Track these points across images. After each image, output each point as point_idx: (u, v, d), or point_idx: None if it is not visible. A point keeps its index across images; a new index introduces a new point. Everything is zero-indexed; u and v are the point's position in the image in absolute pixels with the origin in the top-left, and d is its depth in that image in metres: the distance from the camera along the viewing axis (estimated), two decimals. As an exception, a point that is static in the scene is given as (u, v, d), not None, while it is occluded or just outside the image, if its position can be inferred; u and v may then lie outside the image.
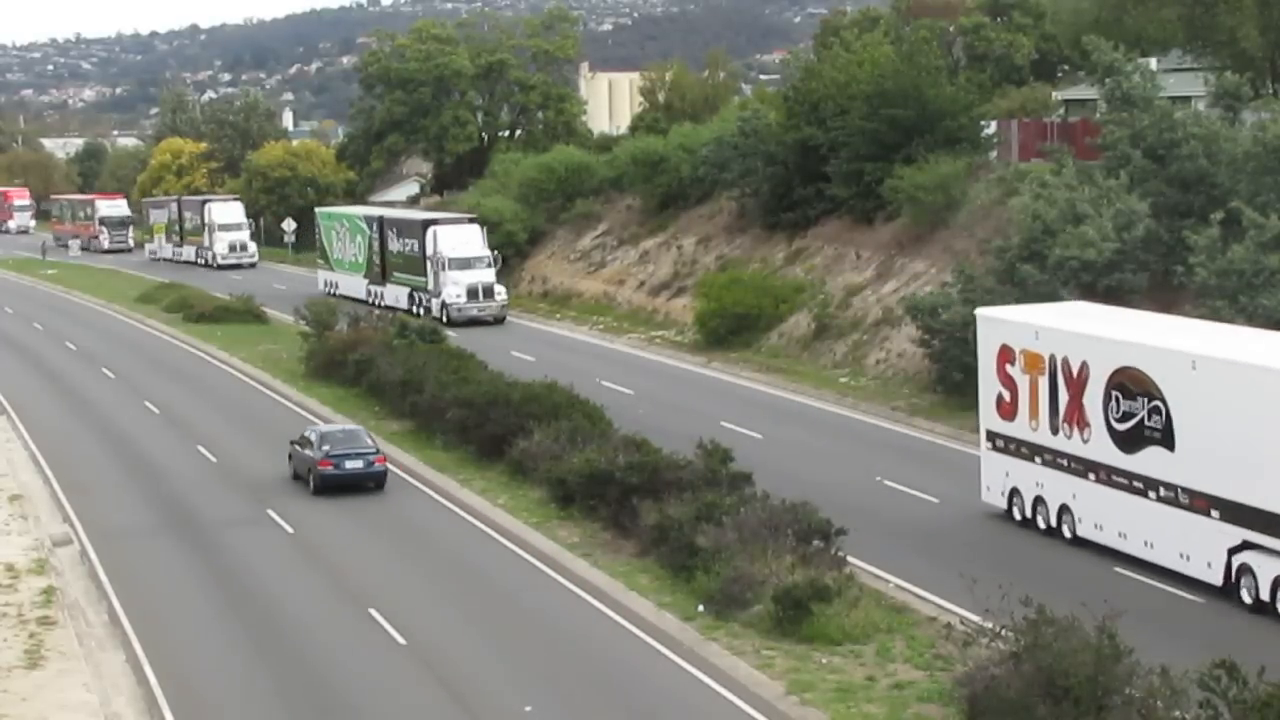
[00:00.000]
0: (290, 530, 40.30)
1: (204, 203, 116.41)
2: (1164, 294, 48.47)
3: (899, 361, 57.56)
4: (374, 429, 51.95)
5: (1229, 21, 57.59)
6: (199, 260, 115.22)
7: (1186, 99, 58.59)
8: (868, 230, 67.47)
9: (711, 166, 79.15)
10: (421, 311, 78.33)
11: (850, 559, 33.03)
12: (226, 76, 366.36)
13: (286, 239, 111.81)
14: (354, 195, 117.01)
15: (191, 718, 27.87)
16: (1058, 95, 76.21)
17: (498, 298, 78.76)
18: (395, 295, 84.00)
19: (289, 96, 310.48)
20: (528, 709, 27.34)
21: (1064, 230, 46.84)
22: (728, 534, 32.91)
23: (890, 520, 38.92)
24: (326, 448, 44.05)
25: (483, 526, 40.17)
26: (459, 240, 79.36)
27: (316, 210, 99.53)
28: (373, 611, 32.88)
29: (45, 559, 37.74)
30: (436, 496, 43.63)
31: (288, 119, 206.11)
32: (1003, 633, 25.14)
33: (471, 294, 77.91)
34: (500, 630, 31.82)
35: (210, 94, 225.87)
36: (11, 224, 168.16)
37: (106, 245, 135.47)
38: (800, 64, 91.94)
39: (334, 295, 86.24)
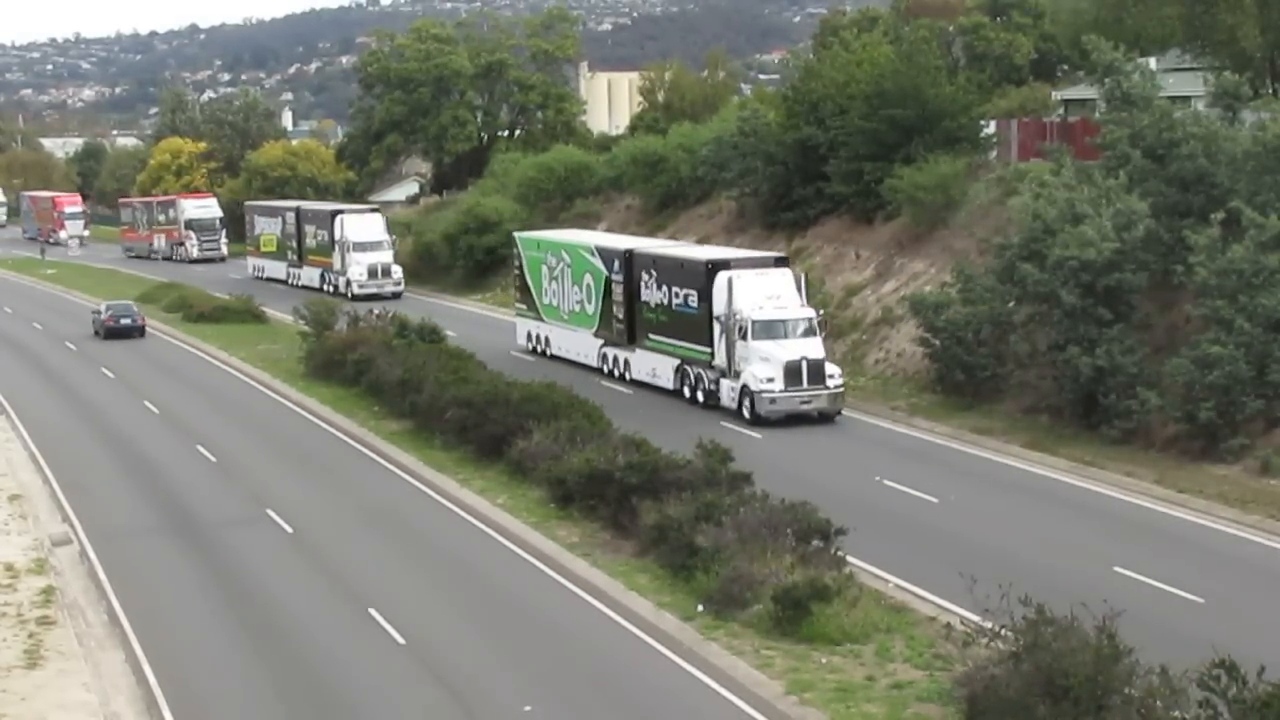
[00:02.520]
0: (290, 530, 40.29)
1: (334, 214, 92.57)
2: (1164, 293, 48.49)
3: (899, 361, 57.58)
4: (373, 429, 52.10)
5: (1229, 21, 57.55)
6: (325, 287, 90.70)
7: (1186, 99, 58.57)
8: (867, 230, 67.47)
9: (711, 166, 79.14)
10: (741, 409, 51.21)
11: (850, 558, 33.03)
12: (226, 76, 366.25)
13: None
14: (353, 195, 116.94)
15: (191, 717, 27.85)
16: (1057, 95, 76.18)
17: None
18: (652, 368, 57.42)
19: (288, 96, 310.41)
20: (527, 709, 27.33)
21: (1063, 230, 46.84)
22: (727, 534, 32.92)
23: (890, 520, 38.93)
24: (111, 311, 79.27)
25: (482, 526, 40.16)
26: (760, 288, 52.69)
27: (516, 236, 71.88)
28: (372, 611, 32.87)
29: (44, 559, 37.75)
30: (436, 496, 43.62)
31: (287, 119, 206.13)
32: (1002, 632, 25.13)
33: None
34: (500, 630, 31.81)
35: (209, 94, 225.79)
36: (62, 234, 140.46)
37: (195, 254, 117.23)
38: (799, 64, 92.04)
39: (543, 353, 65.95)
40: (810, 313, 51.93)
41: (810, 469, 44.23)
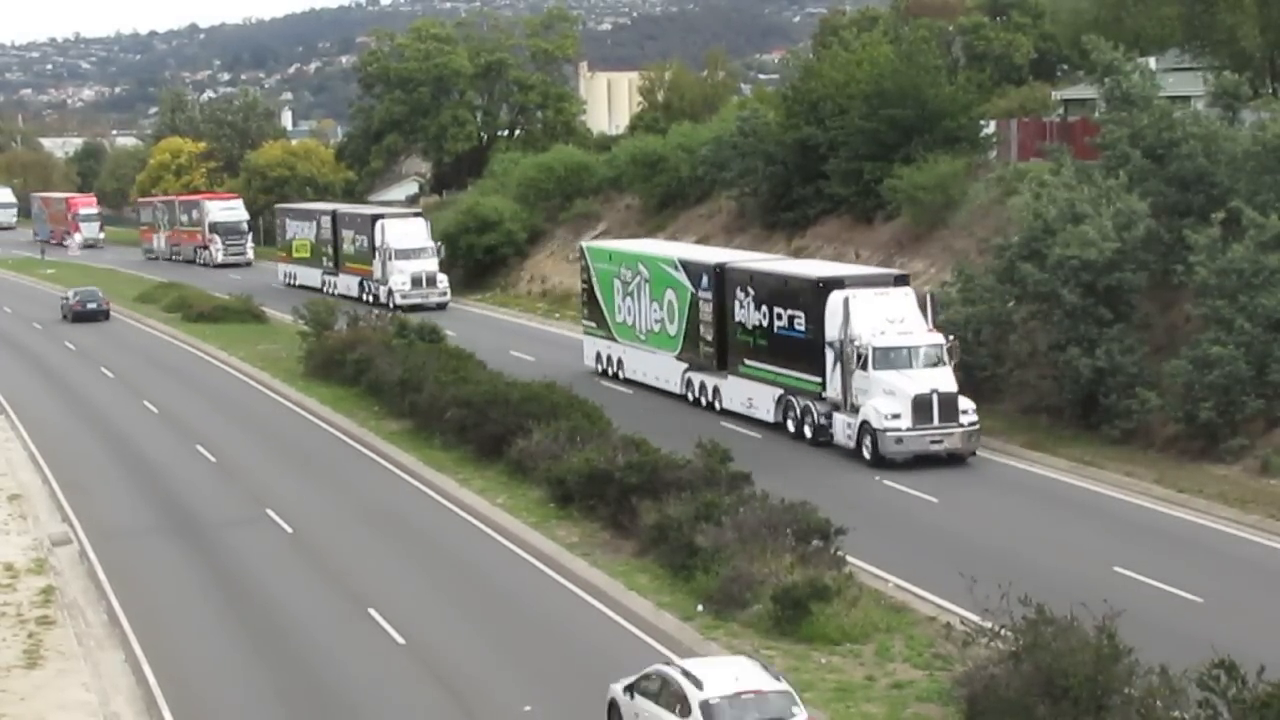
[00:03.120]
0: (289, 530, 40.28)
1: (374, 219, 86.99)
2: (1164, 293, 48.48)
3: (898, 361, 57.47)
4: (373, 429, 52.09)
5: (1228, 20, 57.55)
6: (365, 296, 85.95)
7: (1186, 98, 58.55)
8: (867, 230, 67.47)
9: (711, 166, 79.16)
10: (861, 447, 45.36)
11: (849, 558, 33.03)
12: (225, 76, 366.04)
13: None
14: (353, 195, 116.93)
15: (191, 717, 27.86)
16: (1057, 95, 76.17)
17: None
18: (748, 397, 51.43)
19: (288, 96, 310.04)
20: (527, 709, 27.32)
21: (1063, 229, 46.83)
22: (727, 533, 32.92)
23: (890, 520, 38.92)
24: (78, 297, 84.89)
25: (482, 526, 40.15)
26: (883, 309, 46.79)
27: (584, 246, 66.25)
28: (372, 611, 32.86)
29: (44, 558, 37.74)
30: (435, 496, 43.61)
31: (287, 119, 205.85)
32: (1002, 632, 25.13)
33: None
34: (499, 630, 31.80)
35: (209, 93, 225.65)
36: (77, 237, 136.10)
37: (220, 258, 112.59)
38: (799, 63, 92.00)
39: (615, 375, 60.04)
40: (939, 338, 45.71)
41: (808, 468, 44.22)
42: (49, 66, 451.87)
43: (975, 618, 26.53)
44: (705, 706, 22.86)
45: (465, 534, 39.73)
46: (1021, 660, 24.33)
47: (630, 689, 24.95)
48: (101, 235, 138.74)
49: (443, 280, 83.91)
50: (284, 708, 28.20)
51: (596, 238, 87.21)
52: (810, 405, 47.43)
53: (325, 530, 40.16)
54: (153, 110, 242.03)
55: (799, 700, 23.92)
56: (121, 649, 31.51)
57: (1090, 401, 46.84)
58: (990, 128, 68.04)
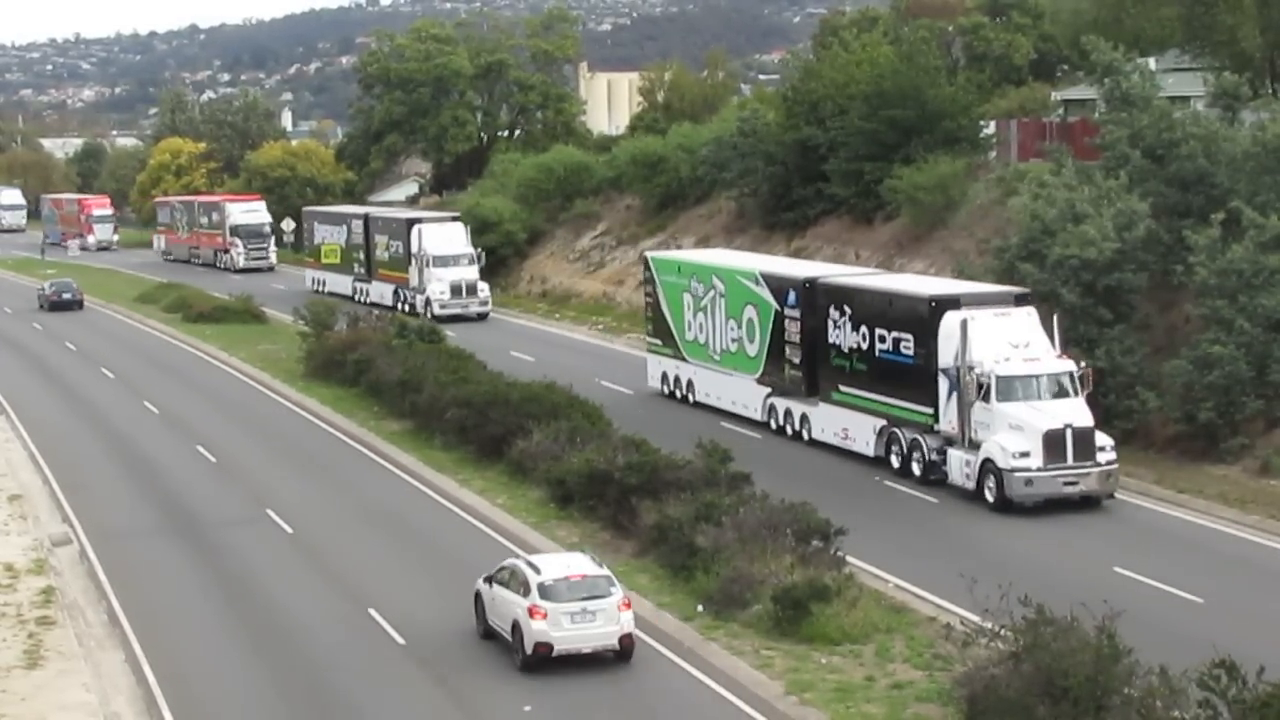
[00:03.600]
0: (290, 530, 40.29)
1: (410, 224, 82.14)
2: (1164, 294, 48.49)
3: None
4: (373, 429, 52.10)
5: (1228, 21, 57.52)
6: (400, 305, 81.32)
7: (1186, 99, 58.55)
8: (867, 230, 67.48)
9: (711, 166, 79.14)
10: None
11: (849, 559, 33.03)
12: (226, 76, 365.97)
13: (286, 239, 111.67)
14: (353, 195, 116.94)
15: (191, 717, 27.87)
16: (1057, 95, 76.14)
17: None
18: (843, 427, 46.36)
19: (288, 96, 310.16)
20: (527, 709, 27.34)
21: (1063, 230, 46.83)
22: (727, 534, 32.93)
23: (890, 520, 38.92)
24: (54, 288, 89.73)
25: (482, 526, 40.16)
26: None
27: (649, 256, 60.26)
28: (372, 611, 32.87)
29: (44, 559, 37.75)
30: (436, 496, 43.61)
31: (287, 119, 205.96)
32: (1002, 633, 25.14)
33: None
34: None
35: (209, 94, 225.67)
36: (90, 239, 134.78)
37: (241, 263, 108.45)
38: (799, 64, 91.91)
39: (684, 398, 55.21)
40: (1069, 365, 40.95)
41: (805, 468, 44.23)
42: (49, 67, 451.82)
43: (975, 618, 26.54)
44: (541, 586, 29.14)
45: (465, 534, 39.74)
46: (1021, 660, 24.34)
47: (489, 580, 30.97)
48: (115, 238, 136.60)
49: (484, 289, 79.45)
50: (284, 708, 28.21)
51: (597, 238, 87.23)
52: (920, 439, 42.41)
53: (325, 530, 40.17)
54: (153, 111, 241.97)
55: (616, 583, 29.81)
56: (122, 649, 31.52)
57: (1090, 402, 46.81)
58: (990, 128, 68.06)
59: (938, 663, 28.06)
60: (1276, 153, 45.98)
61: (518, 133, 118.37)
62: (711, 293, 53.12)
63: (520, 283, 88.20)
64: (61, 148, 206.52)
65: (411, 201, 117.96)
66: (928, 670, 28.10)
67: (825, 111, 69.54)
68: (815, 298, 47.77)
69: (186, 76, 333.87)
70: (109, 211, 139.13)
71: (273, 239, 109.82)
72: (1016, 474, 38.94)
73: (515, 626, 29.36)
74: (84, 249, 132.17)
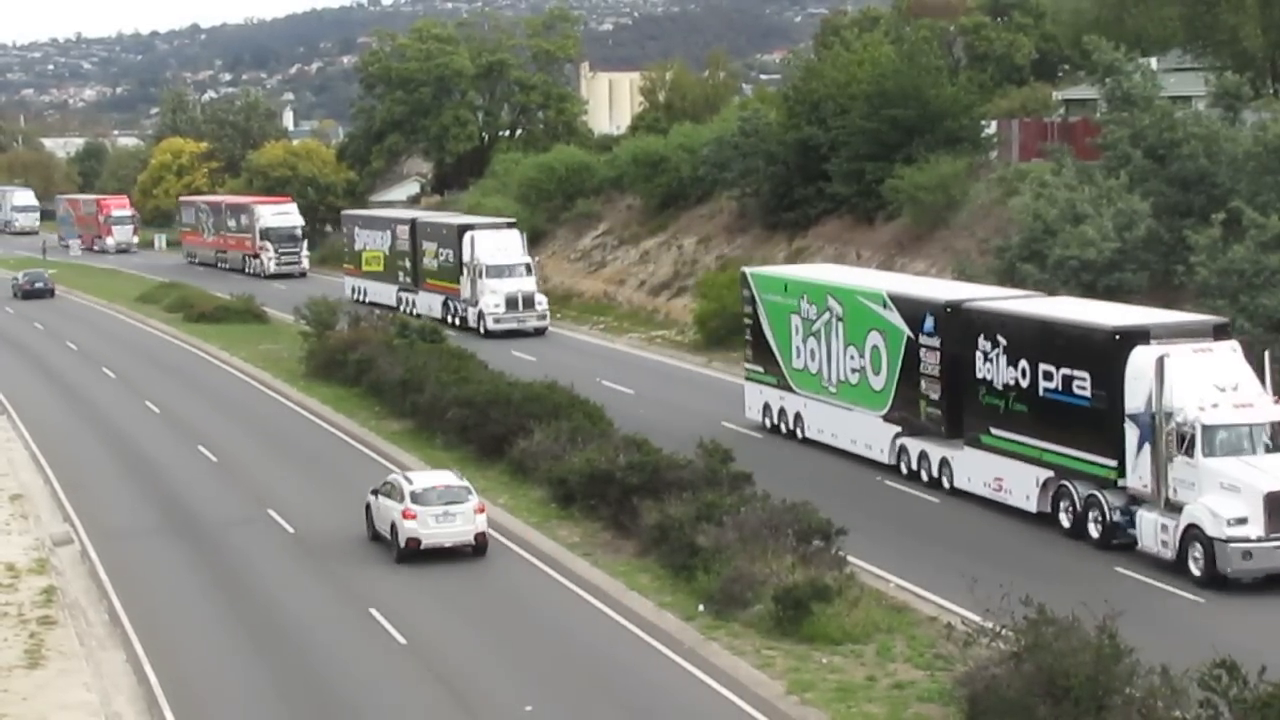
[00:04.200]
0: (291, 530, 40.29)
1: (462, 230, 75.90)
2: (1165, 293, 48.47)
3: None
4: (374, 429, 52.11)
5: (1230, 21, 57.56)
6: (451, 318, 75.51)
7: (1187, 99, 58.56)
8: (868, 230, 67.48)
9: (712, 166, 79.15)
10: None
11: (850, 559, 33.03)
12: (227, 76, 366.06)
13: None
14: (354, 195, 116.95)
15: (191, 717, 27.87)
16: (1058, 95, 76.17)
17: None
18: (994, 476, 39.83)
19: (289, 96, 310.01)
20: (528, 709, 27.34)
21: (1064, 230, 46.83)
22: (728, 534, 32.93)
23: (891, 520, 38.92)
24: (27, 278, 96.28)
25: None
26: None
27: (749, 273, 52.36)
28: (373, 611, 32.88)
29: (46, 558, 37.75)
30: (437, 496, 43.57)
31: (288, 119, 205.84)
32: (1003, 632, 25.15)
33: None
34: (500, 630, 31.82)
35: (210, 94, 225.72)
36: (110, 240, 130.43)
37: (272, 268, 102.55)
38: (801, 64, 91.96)
39: (791, 433, 48.65)
40: None
41: (811, 468, 44.22)
42: (50, 67, 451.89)
43: (976, 618, 26.54)
44: (413, 494, 36.90)
45: (466, 534, 39.69)
46: (1023, 660, 24.35)
47: (375, 492, 38.52)
48: (135, 239, 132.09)
49: (541, 301, 73.60)
50: (285, 707, 28.22)
51: (598, 238, 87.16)
52: (1099, 496, 36.04)
53: (327, 530, 40.16)
54: (154, 110, 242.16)
55: (474, 492, 37.62)
56: (123, 649, 31.53)
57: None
58: (991, 128, 68.07)
59: (939, 663, 28.05)
60: (1277, 153, 45.99)
61: (519, 132, 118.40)
62: (826, 315, 46.47)
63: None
64: (63, 147, 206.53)
65: (413, 201, 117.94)
66: (929, 670, 28.09)
67: (826, 111, 69.56)
68: (959, 324, 41.13)
69: (188, 76, 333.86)
70: (129, 212, 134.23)
71: (305, 243, 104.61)
72: (1233, 545, 32.47)
73: (393, 527, 37.13)
74: (102, 251, 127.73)
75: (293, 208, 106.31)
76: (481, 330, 71.91)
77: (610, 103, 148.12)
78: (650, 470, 37.45)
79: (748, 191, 76.14)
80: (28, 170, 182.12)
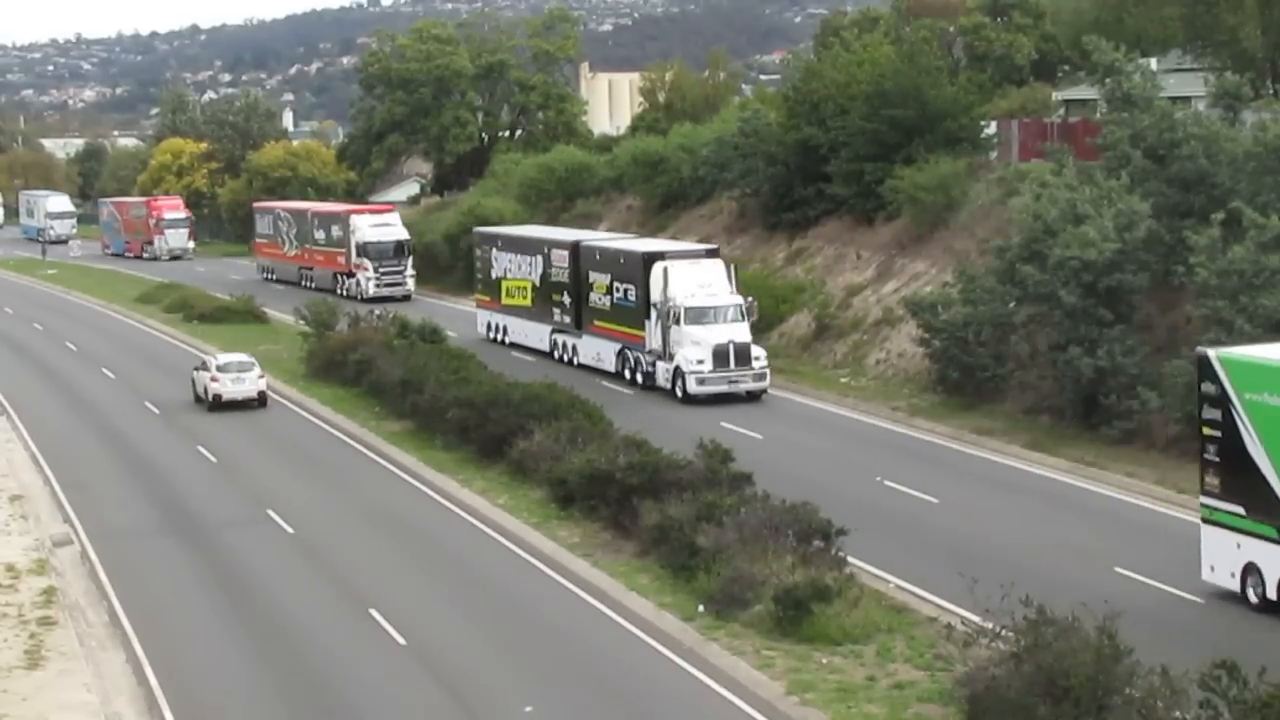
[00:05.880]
0: (290, 530, 40.30)
1: (649, 260, 58.25)
2: (1165, 294, 48.49)
3: (899, 361, 57.58)
4: (374, 429, 52.15)
5: (1230, 21, 57.51)
6: (629, 373, 59.05)
7: (1187, 99, 58.50)
8: (868, 230, 67.47)
9: (712, 167, 79.17)
10: None
11: (850, 559, 33.03)
12: (227, 77, 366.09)
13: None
14: (354, 196, 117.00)
15: (191, 718, 27.88)
16: (1058, 95, 76.13)
17: None
18: None
19: (289, 97, 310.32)
20: (528, 709, 27.34)
21: (1064, 230, 46.82)
22: (728, 534, 32.92)
23: (890, 520, 38.93)
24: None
25: (483, 526, 40.17)
26: None
27: (1215, 358, 32.50)
28: (373, 611, 32.88)
29: (45, 559, 37.76)
30: (436, 496, 43.62)
31: (288, 119, 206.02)
32: (1003, 633, 25.14)
33: None
34: (500, 630, 31.82)
35: (210, 94, 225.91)
36: (161, 244, 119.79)
37: (372, 290, 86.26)
38: (800, 64, 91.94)
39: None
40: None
41: (811, 469, 44.22)
42: (50, 67, 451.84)
43: (976, 618, 26.53)
44: (218, 366, 56.95)
45: (466, 534, 39.74)
46: (1023, 661, 24.34)
47: (196, 369, 58.83)
48: (191, 244, 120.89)
49: (759, 356, 55.59)
50: (285, 708, 28.22)
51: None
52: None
53: (326, 531, 40.18)
54: (154, 111, 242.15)
55: (258, 364, 57.73)
56: (123, 649, 31.53)
57: (1091, 402, 46.85)
58: (991, 128, 68.03)
59: (939, 663, 28.06)
60: (1277, 153, 45.94)
61: (519, 133, 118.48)
62: None
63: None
64: (63, 148, 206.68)
65: (413, 201, 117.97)
66: (929, 670, 28.10)
67: (826, 112, 69.53)
68: None
69: (188, 77, 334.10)
70: (183, 214, 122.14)
71: (410, 260, 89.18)
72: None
73: (205, 389, 57.16)
74: (154, 259, 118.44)
75: (395, 218, 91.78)
76: (679, 393, 55.23)
77: (610, 103, 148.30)
78: (650, 470, 37.44)
79: (747, 192, 76.15)
80: (27, 171, 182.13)
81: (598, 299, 62.06)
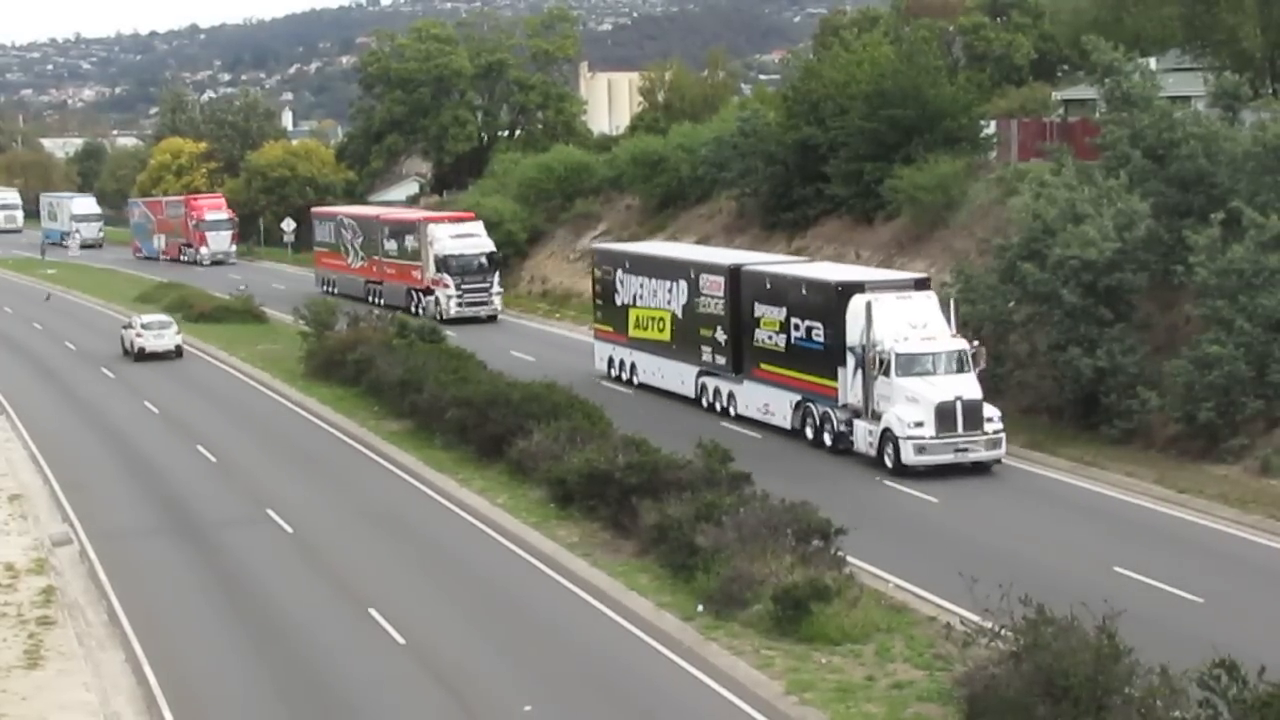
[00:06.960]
0: (290, 530, 40.29)
1: (842, 290, 46.67)
2: (1164, 294, 48.50)
3: (899, 361, 57.44)
4: (373, 428, 52.15)
5: (1229, 20, 57.54)
6: (814, 430, 47.60)
7: (1186, 99, 58.54)
8: (867, 230, 67.47)
9: (711, 166, 79.18)
10: None
11: (850, 558, 33.03)
12: (226, 76, 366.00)
13: (286, 239, 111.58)
14: (353, 196, 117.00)
15: (191, 717, 27.86)
16: (1057, 95, 76.17)
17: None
18: None
19: (288, 96, 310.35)
20: (527, 709, 27.33)
21: (1064, 230, 46.83)
22: (727, 534, 32.92)
23: (890, 520, 38.93)
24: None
25: (482, 526, 40.17)
26: None
27: None
28: (372, 611, 32.87)
29: (45, 559, 37.75)
30: (436, 496, 43.62)
31: (287, 119, 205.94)
32: (1002, 632, 25.13)
33: None
34: (500, 630, 31.81)
35: (210, 94, 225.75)
36: (204, 250, 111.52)
37: (454, 309, 77.02)
38: (800, 64, 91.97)
39: None
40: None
41: (809, 468, 44.22)
42: (49, 67, 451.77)
43: (975, 618, 26.52)
44: (141, 324, 70.49)
45: (466, 534, 39.74)
46: (1022, 660, 24.33)
47: (124, 327, 71.15)
48: (233, 248, 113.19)
49: (993, 417, 44.02)
50: (284, 708, 28.20)
51: (597, 238, 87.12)
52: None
53: (326, 530, 40.18)
54: (153, 110, 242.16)
55: (175, 323, 71.20)
56: (122, 649, 31.51)
57: (1090, 401, 46.85)
58: (991, 128, 68.04)
59: (938, 662, 28.06)
60: (1277, 152, 45.96)
61: (518, 132, 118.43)
62: None
63: (521, 282, 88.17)
64: (62, 148, 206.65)
65: (412, 201, 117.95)
66: (928, 670, 28.09)
67: (825, 111, 69.54)
68: None
69: (187, 76, 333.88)
70: (225, 215, 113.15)
71: (497, 275, 79.34)
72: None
73: (131, 343, 69.52)
74: (193, 263, 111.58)
75: (479, 227, 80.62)
76: (888, 462, 43.98)
77: (609, 103, 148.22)
78: (649, 470, 37.45)
79: (747, 191, 76.16)
80: (26, 170, 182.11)
81: (766, 337, 50.28)
